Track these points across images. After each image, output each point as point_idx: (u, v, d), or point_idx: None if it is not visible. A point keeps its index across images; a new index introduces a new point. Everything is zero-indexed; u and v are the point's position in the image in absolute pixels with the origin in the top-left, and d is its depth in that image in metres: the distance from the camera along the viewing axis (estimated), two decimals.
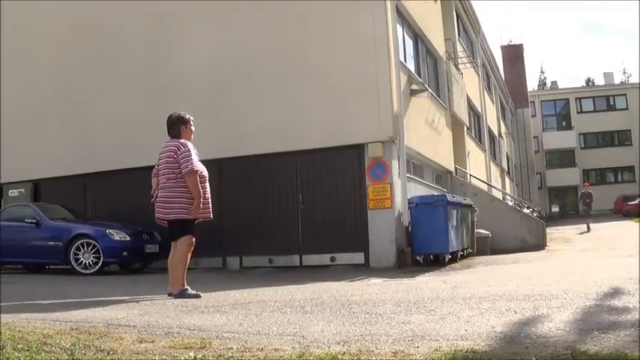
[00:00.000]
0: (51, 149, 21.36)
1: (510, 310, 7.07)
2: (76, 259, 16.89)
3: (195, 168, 9.86)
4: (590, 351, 4.76)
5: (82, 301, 9.48)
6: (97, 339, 5.86)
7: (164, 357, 5.05)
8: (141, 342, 5.76)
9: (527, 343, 5.22)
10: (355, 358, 4.91)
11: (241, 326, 6.65)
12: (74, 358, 5.03)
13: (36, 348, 5.31)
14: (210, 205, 10.36)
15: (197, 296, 9.67)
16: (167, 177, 9.98)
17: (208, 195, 10.28)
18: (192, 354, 5.10)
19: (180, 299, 9.41)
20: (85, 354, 5.19)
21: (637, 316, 6.20)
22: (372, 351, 5.17)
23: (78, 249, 16.92)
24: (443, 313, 7.12)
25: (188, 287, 9.89)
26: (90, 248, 16.92)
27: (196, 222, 10.28)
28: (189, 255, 10.13)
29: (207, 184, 10.32)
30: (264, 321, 6.98)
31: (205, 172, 10.25)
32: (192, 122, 10.46)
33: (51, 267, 18.83)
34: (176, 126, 10.30)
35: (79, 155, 20.77)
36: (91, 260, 16.86)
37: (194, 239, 10.13)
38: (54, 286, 13.41)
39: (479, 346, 5.20)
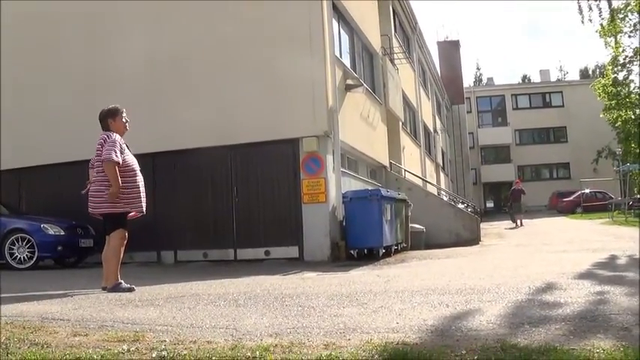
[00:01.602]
0: None
1: (442, 303, 7.16)
2: (11, 254, 16.77)
3: (114, 159, 9.80)
4: (520, 344, 4.86)
5: (16, 295, 9.40)
6: (32, 333, 5.88)
7: (98, 350, 5.07)
8: (75, 335, 5.78)
9: (458, 336, 5.31)
10: (287, 350, 4.97)
11: (175, 319, 6.68)
12: (9, 352, 5.03)
13: None
14: (144, 199, 10.35)
15: (130, 290, 9.65)
16: (97, 170, 10.03)
17: (141, 189, 10.29)
18: (125, 347, 5.14)
19: (114, 293, 9.39)
20: (19, 347, 5.21)
21: (567, 311, 6.34)
22: (304, 343, 5.24)
23: (13, 244, 16.82)
24: (375, 306, 7.20)
25: (122, 281, 9.87)
26: (24, 243, 16.82)
27: (130, 217, 10.30)
28: (122, 249, 10.12)
29: (140, 178, 10.33)
30: (198, 314, 7.02)
31: (135, 165, 10.26)
32: (123, 114, 10.42)
33: None
34: (105, 120, 10.31)
35: (13, 150, 20.49)
36: (26, 255, 16.77)
37: (126, 233, 10.12)
38: None
39: (410, 338, 5.27)
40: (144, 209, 10.39)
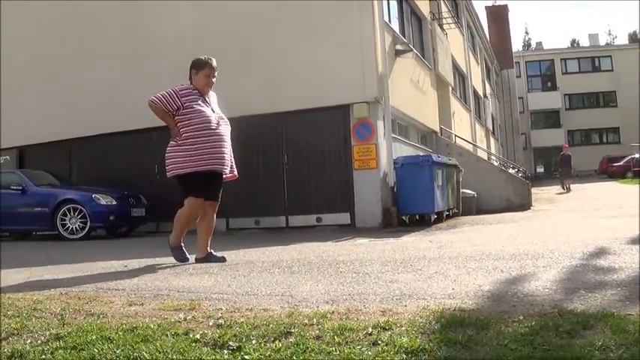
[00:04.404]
0: (35, 116, 21.29)
1: (497, 269, 7.06)
2: (63, 225, 16.96)
3: (151, 98, 8.94)
4: (577, 309, 4.74)
5: (70, 266, 9.45)
6: (87, 303, 5.87)
7: (154, 319, 5.04)
8: (130, 305, 5.77)
9: (514, 302, 5.21)
10: (344, 317, 4.90)
11: (230, 287, 6.65)
12: (64, 322, 5.01)
13: (26, 314, 5.32)
14: (218, 157, 9.17)
15: (184, 260, 9.29)
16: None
17: (211, 145, 9.07)
18: (182, 315, 5.09)
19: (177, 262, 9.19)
20: (75, 318, 5.19)
21: (622, 276, 6.20)
22: (361, 310, 5.16)
23: (64, 214, 17.01)
24: (430, 272, 7.11)
25: (183, 250, 9.46)
26: (76, 213, 16.96)
27: (226, 179, 9.51)
28: (193, 219, 9.52)
29: (213, 134, 9.23)
30: (253, 282, 6.98)
31: (206, 122, 9.16)
32: (209, 68, 9.36)
33: (37, 233, 18.83)
34: (190, 70, 9.39)
35: (63, 121, 20.69)
36: (78, 225, 16.93)
37: (199, 201, 9.23)
38: (41, 252, 13.42)
39: (466, 304, 5.19)
40: (218, 167, 9.16)
